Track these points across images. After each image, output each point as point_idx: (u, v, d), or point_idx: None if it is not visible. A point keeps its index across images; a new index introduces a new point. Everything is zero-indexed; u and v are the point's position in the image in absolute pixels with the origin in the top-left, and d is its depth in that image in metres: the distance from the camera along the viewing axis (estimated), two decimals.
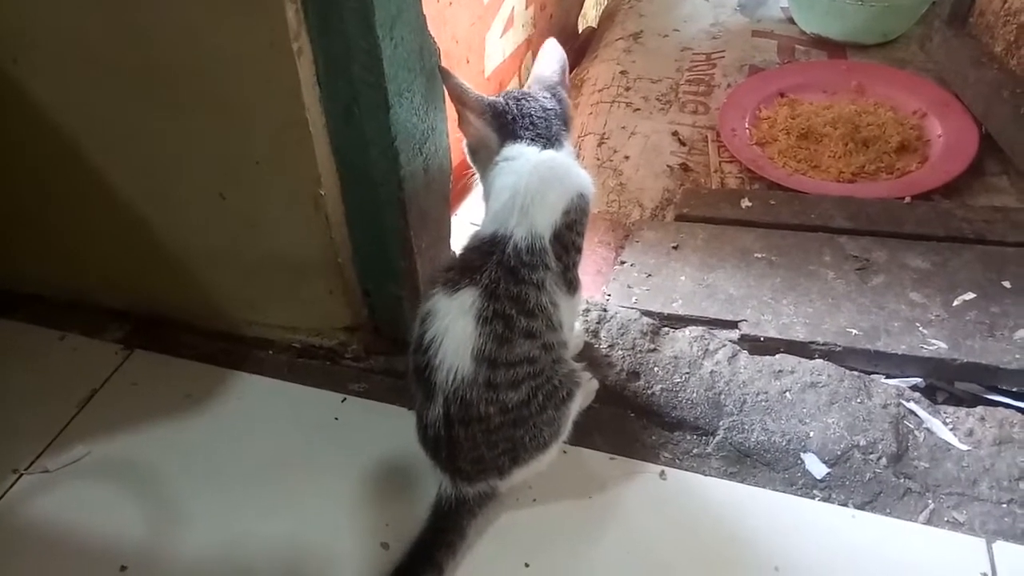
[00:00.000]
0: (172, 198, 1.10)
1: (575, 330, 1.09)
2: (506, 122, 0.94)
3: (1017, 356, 1.12)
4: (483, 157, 0.97)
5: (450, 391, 0.86)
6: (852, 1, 1.84)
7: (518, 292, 0.87)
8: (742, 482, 1.02)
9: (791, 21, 2.06)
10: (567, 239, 0.91)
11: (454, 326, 0.86)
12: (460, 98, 0.93)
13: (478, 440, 0.88)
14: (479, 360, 0.85)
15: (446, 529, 0.94)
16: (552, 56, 1.04)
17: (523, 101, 0.96)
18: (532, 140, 0.94)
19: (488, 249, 0.89)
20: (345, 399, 1.16)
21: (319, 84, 0.91)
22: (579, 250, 0.95)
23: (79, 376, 1.22)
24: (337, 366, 1.21)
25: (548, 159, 0.93)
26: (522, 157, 0.93)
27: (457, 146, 1.03)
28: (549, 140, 0.95)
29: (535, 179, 0.90)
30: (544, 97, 0.98)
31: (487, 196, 0.96)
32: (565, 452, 1.02)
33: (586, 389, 1.05)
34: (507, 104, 0.95)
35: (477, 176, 1.01)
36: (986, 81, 1.53)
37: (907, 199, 1.45)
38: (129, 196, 1.12)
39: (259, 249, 1.10)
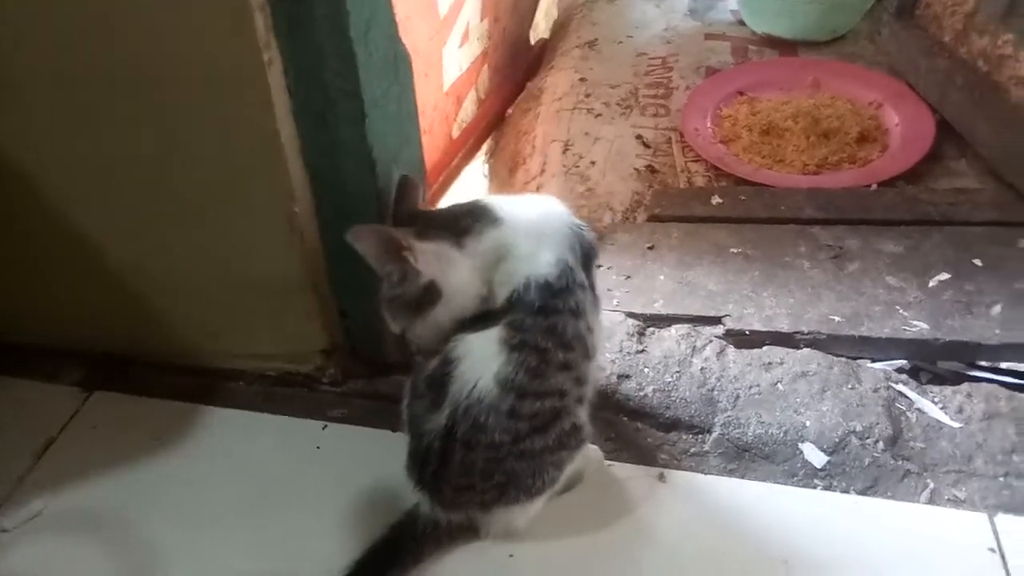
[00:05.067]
0: (128, 225, 1.04)
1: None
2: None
3: (997, 331, 1.13)
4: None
5: (462, 407, 0.82)
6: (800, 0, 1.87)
7: (552, 324, 0.83)
8: (742, 477, 1.00)
9: (741, 23, 2.09)
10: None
11: (479, 347, 0.83)
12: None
13: (476, 467, 0.84)
14: (506, 389, 0.82)
15: (406, 551, 0.90)
16: None
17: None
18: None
19: (505, 307, 0.85)
20: (326, 426, 1.11)
21: (290, 94, 0.88)
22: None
23: (33, 424, 1.14)
24: (315, 392, 1.16)
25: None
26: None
27: (430, 157, 1.00)
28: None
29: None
30: None
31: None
32: None
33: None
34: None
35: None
36: (939, 70, 1.57)
37: (873, 186, 1.47)
38: (81, 225, 1.06)
39: (227, 274, 1.05)
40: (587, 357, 0.88)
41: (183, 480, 1.05)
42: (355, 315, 1.10)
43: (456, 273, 0.86)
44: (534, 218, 0.88)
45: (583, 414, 0.90)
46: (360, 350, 1.14)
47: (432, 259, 0.85)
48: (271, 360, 1.16)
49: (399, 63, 0.93)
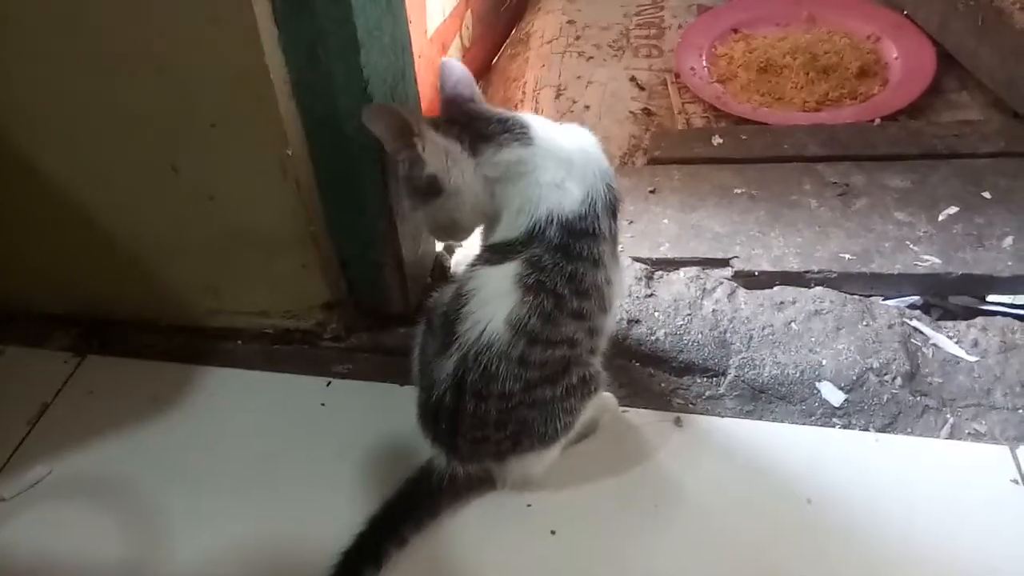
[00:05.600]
0: (114, 178, 0.98)
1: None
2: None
3: (1009, 263, 1.12)
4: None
5: (471, 353, 0.79)
6: None
7: (572, 270, 0.80)
8: (760, 419, 0.99)
9: None
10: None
11: (493, 282, 0.80)
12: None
13: (489, 418, 0.81)
14: (518, 333, 0.78)
15: (421, 507, 0.88)
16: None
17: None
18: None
19: (525, 240, 0.81)
20: (330, 383, 1.07)
21: (278, 26, 0.81)
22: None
23: (26, 391, 1.09)
24: (317, 349, 1.12)
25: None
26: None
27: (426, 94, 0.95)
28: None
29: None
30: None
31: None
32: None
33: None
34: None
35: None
36: None
37: (876, 121, 1.44)
38: (63, 180, 1.00)
39: (218, 227, 1.00)
40: (603, 309, 0.85)
41: (184, 443, 1.02)
42: (356, 266, 1.05)
43: (459, 175, 0.83)
44: (569, 147, 0.84)
45: (596, 362, 0.88)
46: (363, 303, 1.10)
47: (440, 154, 0.83)
48: (268, 317, 1.11)
49: None
